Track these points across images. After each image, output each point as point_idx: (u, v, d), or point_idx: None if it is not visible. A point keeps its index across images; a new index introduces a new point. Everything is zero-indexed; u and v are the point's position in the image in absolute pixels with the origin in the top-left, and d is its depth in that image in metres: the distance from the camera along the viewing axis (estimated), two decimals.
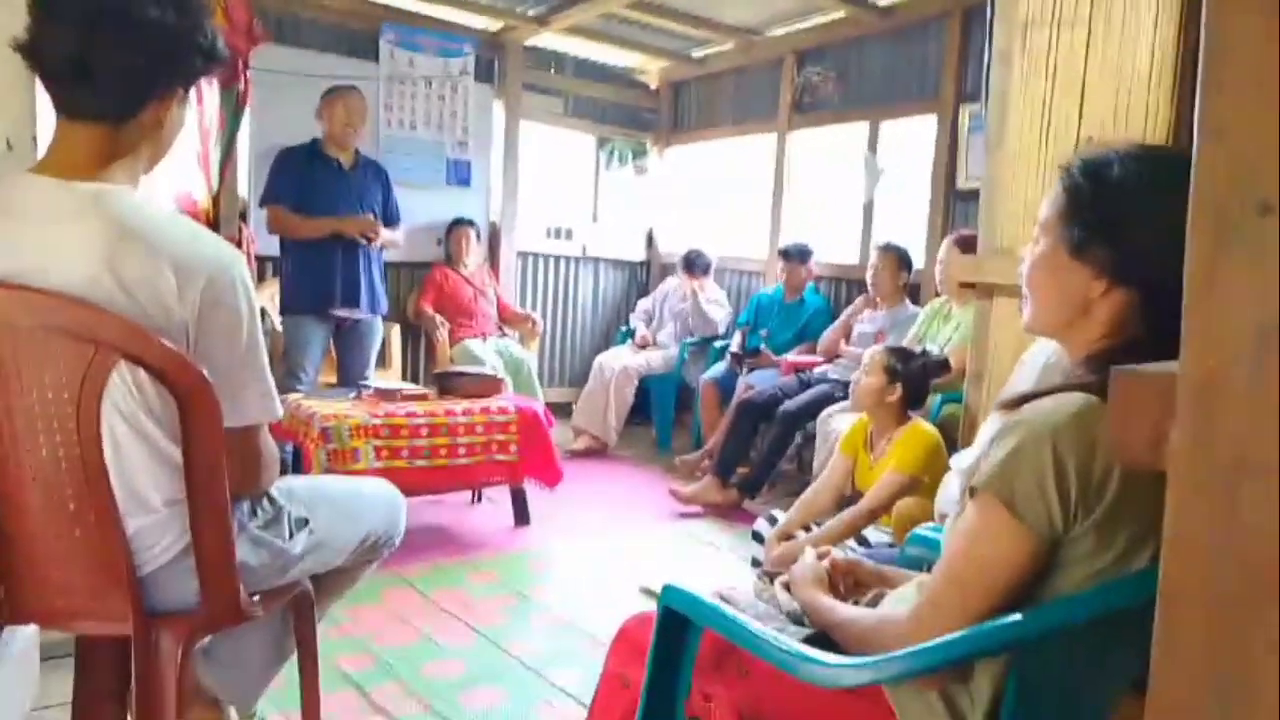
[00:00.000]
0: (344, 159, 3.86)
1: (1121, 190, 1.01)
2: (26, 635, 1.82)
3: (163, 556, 1.37)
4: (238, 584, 1.42)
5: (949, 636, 0.90)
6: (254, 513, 1.51)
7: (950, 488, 1.65)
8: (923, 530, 1.53)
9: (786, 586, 1.29)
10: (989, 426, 1.62)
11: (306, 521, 1.58)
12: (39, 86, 1.34)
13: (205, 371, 1.28)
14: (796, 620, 1.21)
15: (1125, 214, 1.00)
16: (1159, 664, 0.68)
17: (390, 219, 4.03)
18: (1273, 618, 0.59)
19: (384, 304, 4.00)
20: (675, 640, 1.16)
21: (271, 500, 1.54)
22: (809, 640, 1.14)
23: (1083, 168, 1.05)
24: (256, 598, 1.48)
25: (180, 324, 1.27)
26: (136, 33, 1.26)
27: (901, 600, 1.19)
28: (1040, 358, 1.57)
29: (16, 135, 1.76)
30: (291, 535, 1.54)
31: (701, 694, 1.19)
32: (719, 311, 5.18)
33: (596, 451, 4.93)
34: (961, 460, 1.64)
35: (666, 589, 1.16)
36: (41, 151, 1.42)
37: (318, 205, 3.73)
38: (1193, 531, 0.67)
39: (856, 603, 1.28)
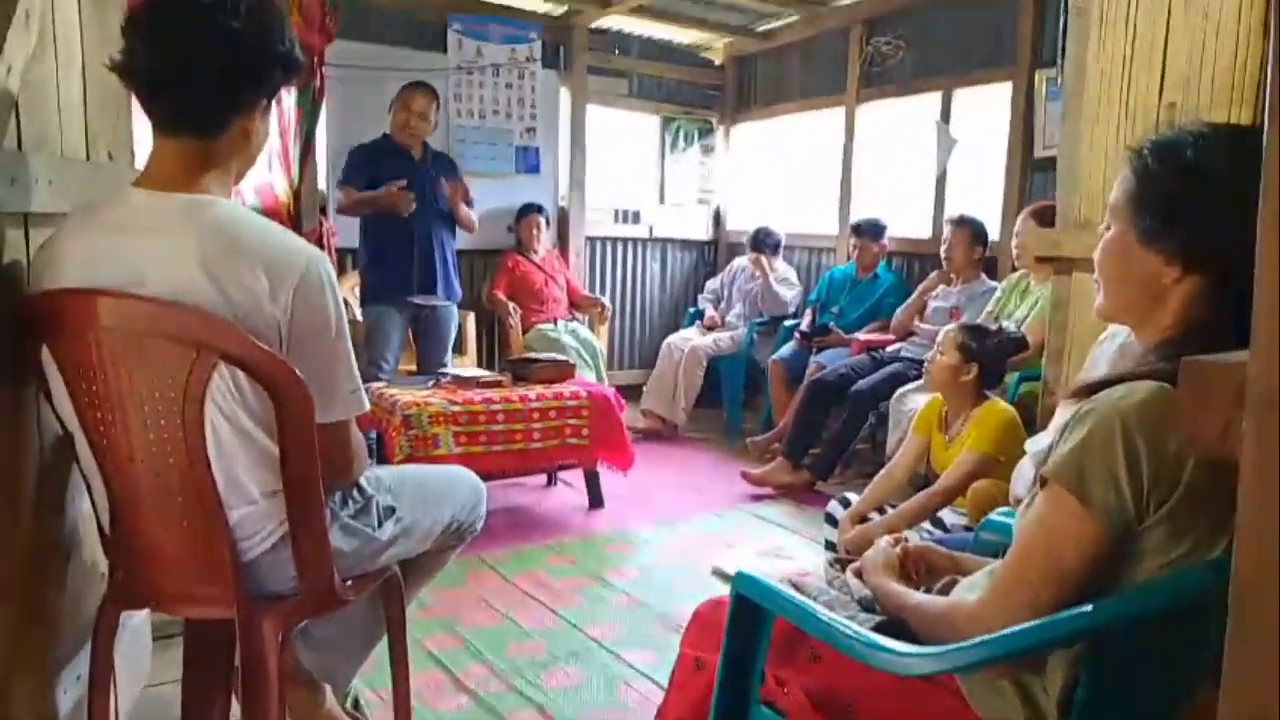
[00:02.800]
0: (414, 150, 3.96)
1: (1194, 175, 0.99)
2: (140, 616, 1.95)
3: (263, 544, 1.45)
4: (332, 570, 1.50)
5: (1021, 626, 0.91)
6: (345, 502, 1.59)
7: (1025, 471, 1.63)
8: (997, 515, 1.52)
9: (858, 573, 1.31)
10: (1062, 412, 1.59)
11: (394, 509, 1.65)
12: (135, 101, 1.42)
13: (298, 369, 1.35)
14: (867, 607, 1.23)
15: (1197, 199, 0.98)
16: (1232, 656, 0.68)
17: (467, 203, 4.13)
18: None
19: (459, 291, 4.10)
20: (749, 626, 1.19)
21: (361, 490, 1.62)
22: (880, 627, 1.16)
23: (1154, 150, 1.04)
24: (349, 583, 1.56)
25: (274, 324, 1.34)
26: (221, 47, 1.33)
27: (972, 588, 1.20)
28: (1116, 340, 1.54)
29: (117, 146, 1.87)
30: (380, 523, 1.62)
31: (774, 678, 1.22)
32: (789, 290, 5.15)
33: (666, 434, 4.97)
34: (1036, 444, 1.62)
35: (739, 576, 1.19)
36: (140, 162, 1.51)
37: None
38: (1265, 522, 0.67)
39: (929, 589, 1.29)
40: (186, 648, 1.84)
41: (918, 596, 1.15)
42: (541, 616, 2.64)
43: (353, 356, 1.45)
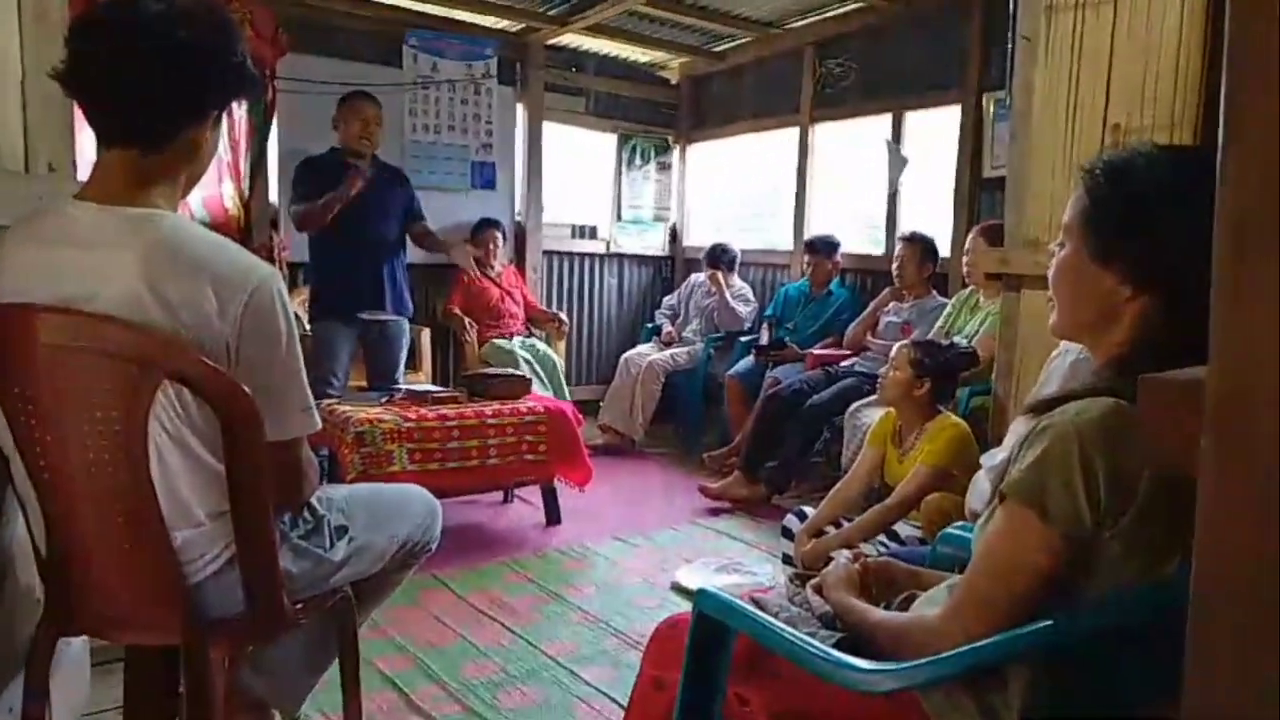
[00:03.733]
0: (363, 165, 3.89)
1: (1145, 195, 1.01)
2: (78, 642, 1.87)
3: (209, 567, 1.41)
4: (282, 593, 1.46)
5: (980, 643, 0.91)
6: (295, 523, 1.55)
7: (981, 485, 1.65)
8: (954, 529, 1.53)
9: (818, 589, 1.30)
10: (1017, 427, 1.62)
11: (346, 530, 1.62)
12: (78, 111, 1.38)
13: (247, 387, 1.31)
14: (828, 624, 1.22)
15: (1149, 219, 1.01)
16: (1192, 671, 0.68)
17: (415, 217, 4.08)
18: None
19: (410, 306, 4.04)
20: (710, 644, 1.18)
21: (312, 510, 1.58)
22: (841, 643, 1.16)
23: (1105, 170, 1.06)
24: (299, 605, 1.52)
25: (222, 341, 1.30)
26: (168, 58, 1.30)
27: (931, 602, 1.20)
28: (1069, 355, 1.57)
29: (57, 158, 1.81)
30: (332, 544, 1.58)
31: (737, 696, 1.21)
32: (744, 306, 5.18)
33: (624, 448, 4.96)
34: (991, 458, 1.65)
35: (701, 594, 1.18)
36: (82, 175, 1.46)
37: (341, 212, 3.77)
38: (1224, 538, 0.68)
39: (889, 604, 1.29)
40: (127, 675, 1.78)
41: (878, 613, 1.15)
42: (497, 635, 2.60)
43: (304, 374, 1.42)
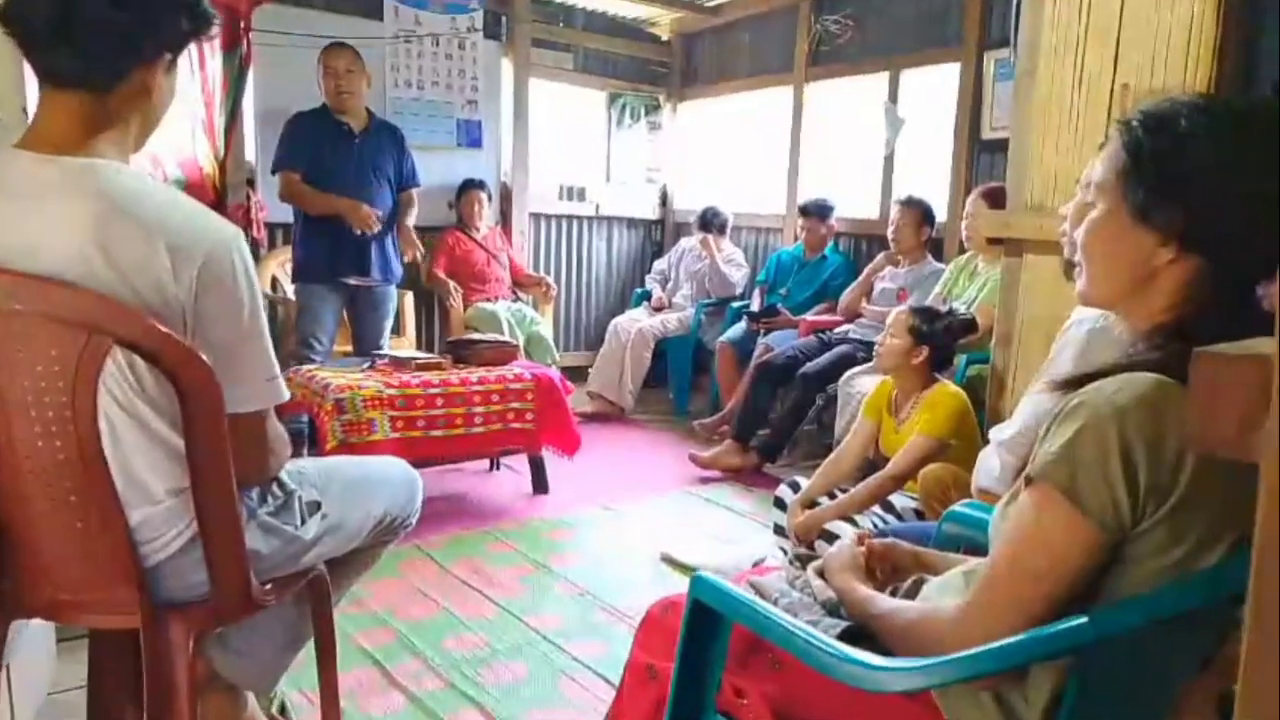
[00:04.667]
0: (354, 124, 3.74)
1: (1191, 146, 0.92)
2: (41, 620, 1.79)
3: (169, 547, 1.32)
4: (248, 573, 1.37)
5: (1009, 641, 0.83)
6: (264, 499, 1.46)
7: (989, 461, 1.57)
8: (961, 507, 1.46)
9: (820, 573, 1.23)
10: (1032, 400, 1.54)
11: (319, 505, 1.53)
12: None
13: (205, 355, 1.21)
14: (832, 610, 1.15)
15: (1195, 173, 0.91)
16: (1250, 668, 0.62)
17: (407, 182, 3.93)
18: None
19: (398, 272, 3.92)
20: (705, 633, 1.10)
21: (282, 485, 1.49)
22: (846, 633, 1.08)
23: (1145, 121, 0.96)
24: (269, 586, 1.44)
25: (177, 306, 1.20)
26: None
27: (944, 589, 1.12)
28: (1084, 324, 1.48)
29: (6, 108, 1.68)
30: (303, 520, 1.49)
31: (733, 688, 1.13)
32: (736, 271, 5.08)
33: (613, 416, 4.88)
34: (1001, 433, 1.57)
35: (695, 580, 1.10)
36: None
37: (328, 174, 3.63)
38: None
39: (895, 589, 1.22)
40: (91, 655, 1.70)
41: (887, 602, 1.07)
42: (481, 607, 2.52)
43: (269, 342, 1.31)
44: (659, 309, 5.19)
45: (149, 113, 1.32)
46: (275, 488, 1.48)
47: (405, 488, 1.73)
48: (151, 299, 1.18)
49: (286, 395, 1.36)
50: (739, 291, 5.05)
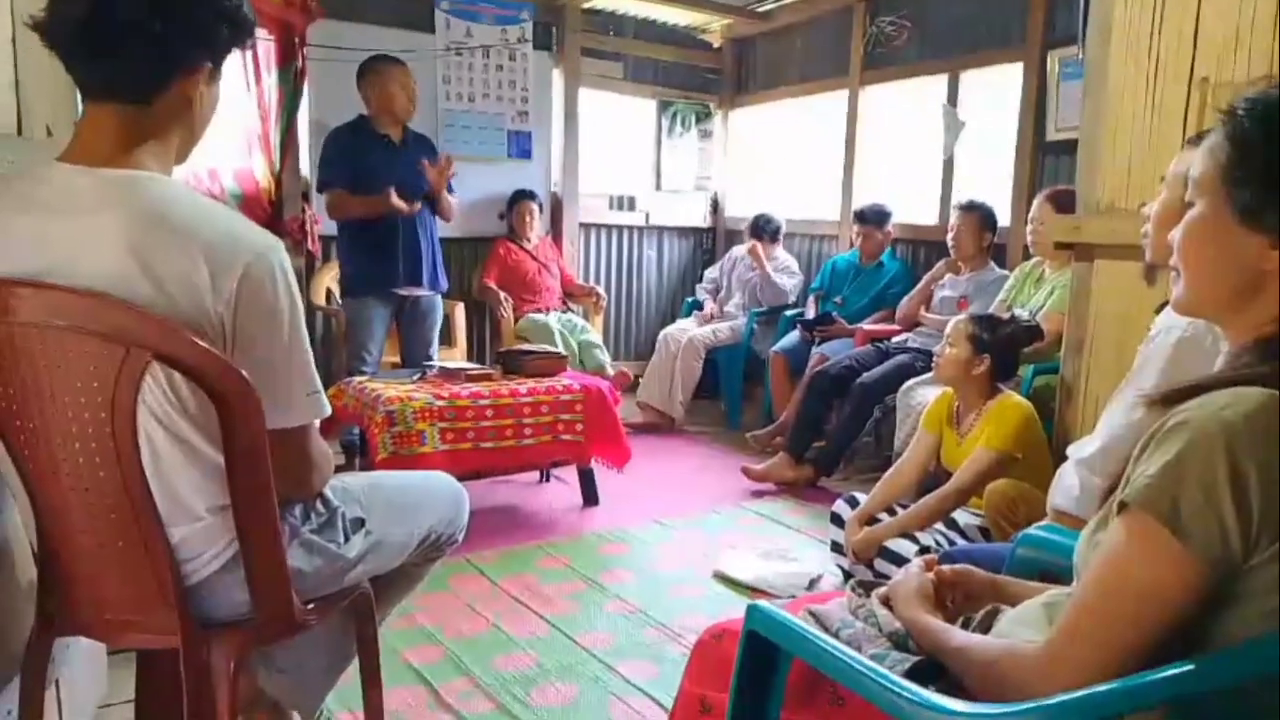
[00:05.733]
0: (393, 134, 3.74)
1: None
2: None
3: (211, 565, 1.29)
4: (290, 593, 1.34)
5: (1105, 688, 0.75)
6: (307, 516, 1.42)
7: (1066, 479, 1.47)
8: (1037, 530, 1.36)
9: (886, 602, 1.14)
10: (1116, 414, 1.44)
11: (363, 522, 1.49)
12: None
13: (244, 370, 1.18)
14: (900, 643, 1.06)
15: None
16: None
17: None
18: None
19: (445, 282, 3.92)
20: (762, 667, 1.03)
21: (325, 502, 1.46)
22: (916, 669, 1.00)
23: (1253, 110, 0.87)
24: (311, 605, 1.40)
25: (216, 319, 1.17)
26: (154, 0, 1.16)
27: (1022, 623, 1.03)
28: (1172, 333, 1.37)
29: (56, 120, 1.69)
30: (347, 538, 1.46)
31: None
32: (789, 280, 4.98)
33: (663, 427, 4.81)
34: (1080, 450, 1.47)
35: (751, 610, 1.03)
36: None
37: (374, 184, 3.64)
38: None
39: (968, 621, 1.13)
40: (139, 671, 1.68)
41: (961, 636, 0.99)
42: (531, 625, 2.48)
43: (310, 356, 1.28)
44: (708, 320, 5.10)
45: (192, 124, 1.29)
46: (319, 504, 1.45)
47: (451, 503, 1.69)
48: (190, 312, 1.15)
49: (328, 410, 1.33)
50: (791, 300, 4.95)
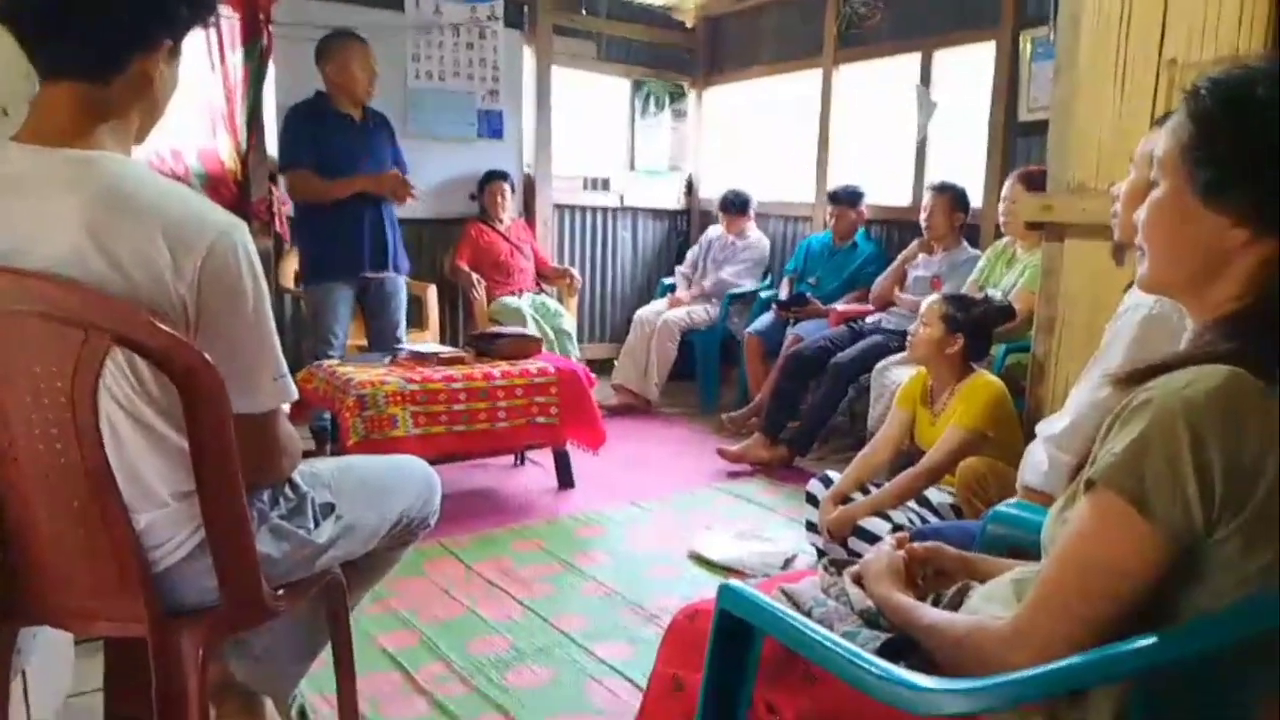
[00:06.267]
0: (354, 113, 3.68)
1: (1269, 116, 0.83)
2: None
3: (177, 552, 1.27)
4: (259, 579, 1.33)
5: (1072, 661, 0.75)
6: (275, 501, 1.41)
7: (1035, 457, 1.49)
8: (1007, 507, 1.37)
9: (858, 579, 1.15)
10: (1083, 392, 1.45)
11: (333, 507, 1.48)
12: None
13: (208, 354, 1.16)
14: (871, 621, 1.07)
15: (1275, 147, 0.82)
16: None
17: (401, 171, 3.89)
18: None
19: (406, 262, 3.87)
20: (735, 646, 1.03)
21: (294, 487, 1.44)
22: (888, 645, 1.01)
23: (1215, 89, 0.87)
24: (281, 591, 1.39)
25: (178, 301, 1.15)
26: None
27: (992, 599, 1.05)
28: (1139, 310, 1.39)
29: (13, 100, 1.65)
30: (317, 523, 1.44)
31: (765, 703, 1.07)
32: (747, 270, 4.97)
33: (639, 409, 4.81)
34: (1050, 427, 1.48)
35: (723, 589, 1.03)
36: None
37: (337, 164, 3.57)
38: None
39: (939, 597, 1.14)
40: (106, 659, 1.67)
41: (932, 614, 0.99)
42: (506, 608, 2.47)
43: (275, 338, 1.26)
44: (679, 304, 5.02)
45: (152, 103, 1.26)
46: (288, 490, 1.43)
47: (423, 487, 1.67)
48: (151, 294, 1.13)
49: (295, 394, 1.31)
50: (749, 287, 4.95)
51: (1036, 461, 1.46)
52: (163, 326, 1.12)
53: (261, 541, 1.34)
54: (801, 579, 1.23)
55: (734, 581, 1.04)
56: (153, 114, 1.28)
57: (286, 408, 1.35)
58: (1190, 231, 0.88)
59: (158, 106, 1.28)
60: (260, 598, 1.34)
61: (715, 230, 5.24)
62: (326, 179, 3.57)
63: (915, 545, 1.17)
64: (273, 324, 1.26)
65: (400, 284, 3.84)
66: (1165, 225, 0.91)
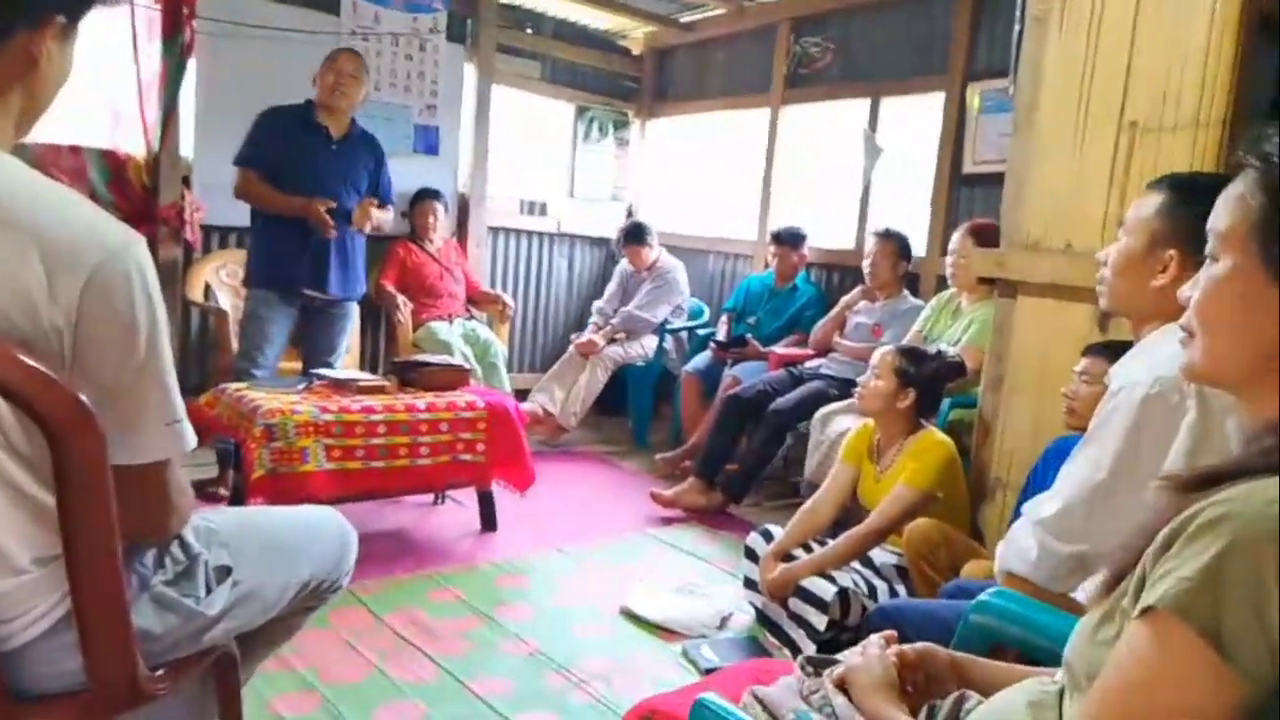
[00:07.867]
0: (333, 128, 3.45)
1: None
2: None
3: (35, 627, 1.06)
4: (135, 658, 1.12)
5: None
6: (160, 564, 1.20)
7: (1022, 541, 1.37)
8: (991, 596, 1.25)
9: (842, 685, 1.01)
10: (1078, 473, 1.33)
11: (230, 571, 1.27)
12: None
13: (85, 395, 0.96)
14: None
15: None
16: None
17: (383, 198, 3.64)
18: None
19: (362, 288, 3.63)
20: None
21: (185, 546, 1.23)
22: None
23: None
24: (160, 671, 1.18)
25: (52, 331, 0.95)
26: None
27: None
28: (1136, 389, 1.28)
29: None
30: (209, 590, 1.24)
31: None
32: (659, 309, 4.82)
33: (550, 434, 4.55)
34: (1039, 509, 1.37)
35: (698, 705, 0.87)
36: None
37: (297, 176, 3.33)
38: None
39: (934, 709, 1.00)
40: None
41: None
42: (419, 668, 2.26)
43: (172, 378, 1.06)
44: (585, 355, 4.70)
45: (35, 89, 1.06)
46: (176, 549, 1.22)
47: (336, 546, 1.48)
48: (18, 321, 0.93)
49: (192, 443, 1.11)
50: (660, 322, 4.82)
51: (1024, 547, 1.34)
52: (28, 361, 0.92)
53: (140, 614, 1.14)
54: (775, 680, 1.08)
55: (710, 696, 0.88)
56: (37, 102, 1.08)
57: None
58: (1258, 318, 0.77)
59: (44, 93, 1.08)
60: (135, 680, 1.13)
61: (624, 264, 5.10)
62: (282, 187, 3.33)
63: (907, 649, 1.03)
64: (169, 361, 1.06)
65: (349, 311, 3.59)
66: (1227, 307, 0.80)
